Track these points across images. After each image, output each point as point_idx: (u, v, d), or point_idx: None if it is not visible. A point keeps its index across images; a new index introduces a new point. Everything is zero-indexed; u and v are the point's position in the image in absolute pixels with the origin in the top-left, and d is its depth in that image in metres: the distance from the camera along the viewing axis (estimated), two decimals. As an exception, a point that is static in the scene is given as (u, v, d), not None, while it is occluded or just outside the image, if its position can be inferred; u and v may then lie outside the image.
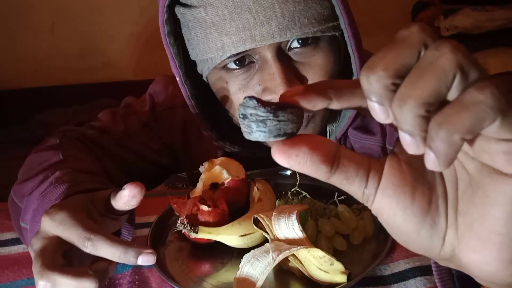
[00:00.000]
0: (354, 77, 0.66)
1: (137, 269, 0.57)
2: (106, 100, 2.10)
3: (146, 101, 0.84)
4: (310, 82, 0.63)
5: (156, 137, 0.83)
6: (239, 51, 0.60)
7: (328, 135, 0.74)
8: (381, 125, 0.72)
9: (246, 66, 0.63)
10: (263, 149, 0.79)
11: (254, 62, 0.63)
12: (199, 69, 0.68)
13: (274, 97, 0.61)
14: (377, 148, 0.73)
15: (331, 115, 0.72)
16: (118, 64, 2.41)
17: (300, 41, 0.61)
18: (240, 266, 0.49)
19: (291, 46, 0.62)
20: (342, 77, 0.68)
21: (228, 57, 0.61)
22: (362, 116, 0.73)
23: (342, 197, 0.59)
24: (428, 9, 2.36)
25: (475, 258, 0.27)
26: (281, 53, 0.61)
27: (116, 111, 0.84)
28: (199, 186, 0.62)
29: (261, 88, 0.62)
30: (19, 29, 2.31)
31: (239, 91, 0.64)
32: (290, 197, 0.62)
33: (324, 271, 0.48)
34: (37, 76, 2.35)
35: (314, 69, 0.63)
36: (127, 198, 0.50)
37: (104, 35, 2.37)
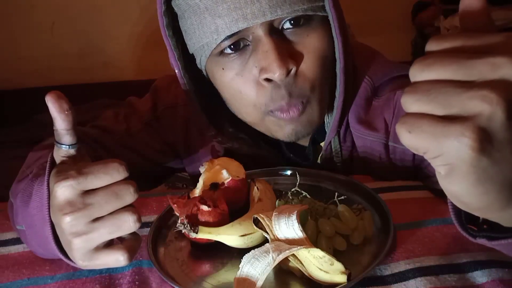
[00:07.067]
0: (337, 63, 0.66)
1: (137, 269, 0.57)
2: (106, 100, 2.10)
3: (148, 100, 0.85)
4: (304, 62, 0.64)
5: (158, 136, 0.83)
6: (232, 32, 0.61)
7: (325, 125, 0.74)
8: (385, 121, 0.72)
9: (241, 49, 0.64)
10: (262, 146, 0.78)
11: (248, 45, 0.64)
12: (197, 61, 0.69)
13: (272, 76, 0.61)
14: (379, 146, 0.73)
15: (329, 106, 0.72)
16: (118, 64, 2.41)
17: (292, 21, 0.62)
18: (240, 266, 0.49)
19: (284, 26, 0.63)
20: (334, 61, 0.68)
21: (223, 40, 0.62)
22: (366, 111, 0.73)
23: (342, 197, 0.59)
24: (428, 9, 2.36)
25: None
26: (274, 31, 0.62)
27: (119, 110, 0.84)
28: (199, 186, 0.62)
29: (258, 70, 0.63)
30: (19, 29, 2.31)
31: (236, 76, 0.65)
32: (290, 197, 0.62)
33: (324, 271, 0.48)
34: (37, 76, 2.35)
35: (308, 50, 0.64)
36: (53, 102, 0.52)
37: (104, 35, 2.37)
